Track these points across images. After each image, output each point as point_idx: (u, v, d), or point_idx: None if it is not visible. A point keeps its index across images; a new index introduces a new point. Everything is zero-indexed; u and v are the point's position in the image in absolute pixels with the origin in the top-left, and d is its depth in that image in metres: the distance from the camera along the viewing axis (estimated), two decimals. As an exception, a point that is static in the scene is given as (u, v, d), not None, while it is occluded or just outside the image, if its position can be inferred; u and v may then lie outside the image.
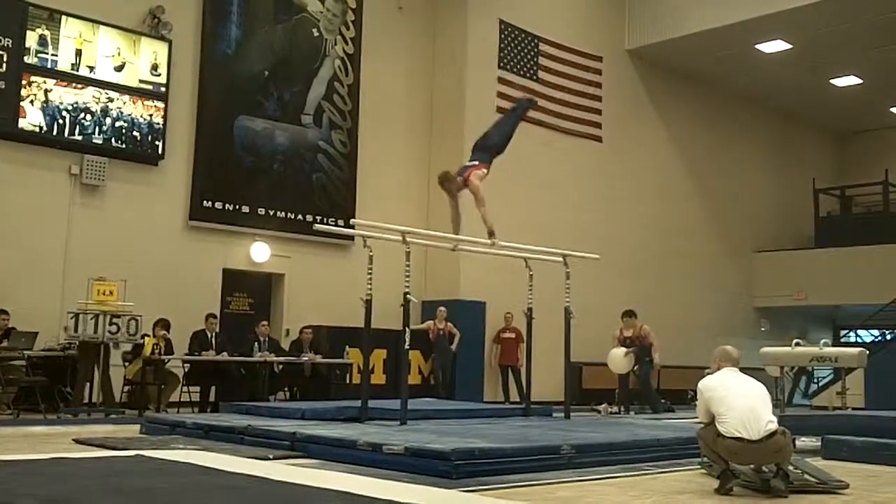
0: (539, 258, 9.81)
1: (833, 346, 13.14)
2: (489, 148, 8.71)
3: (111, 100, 11.83)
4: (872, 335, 20.28)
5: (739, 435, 5.15)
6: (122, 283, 10.80)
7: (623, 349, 12.41)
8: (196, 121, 12.73)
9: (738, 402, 5.26)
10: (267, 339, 11.93)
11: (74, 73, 11.59)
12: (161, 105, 12.26)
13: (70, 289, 11.13)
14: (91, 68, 11.73)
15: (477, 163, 8.52)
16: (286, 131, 13.59)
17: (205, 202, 12.66)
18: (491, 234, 8.48)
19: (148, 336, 10.92)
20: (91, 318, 10.26)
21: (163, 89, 12.30)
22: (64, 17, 11.53)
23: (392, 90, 14.99)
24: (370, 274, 7.99)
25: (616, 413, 12.66)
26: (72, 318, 10.20)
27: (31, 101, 11.22)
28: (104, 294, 10.42)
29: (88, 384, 10.85)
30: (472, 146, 8.81)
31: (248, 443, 7.08)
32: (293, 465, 5.96)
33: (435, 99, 15.46)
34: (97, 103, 11.73)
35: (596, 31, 17.20)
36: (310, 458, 6.41)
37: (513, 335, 14.26)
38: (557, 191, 16.10)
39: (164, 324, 11.15)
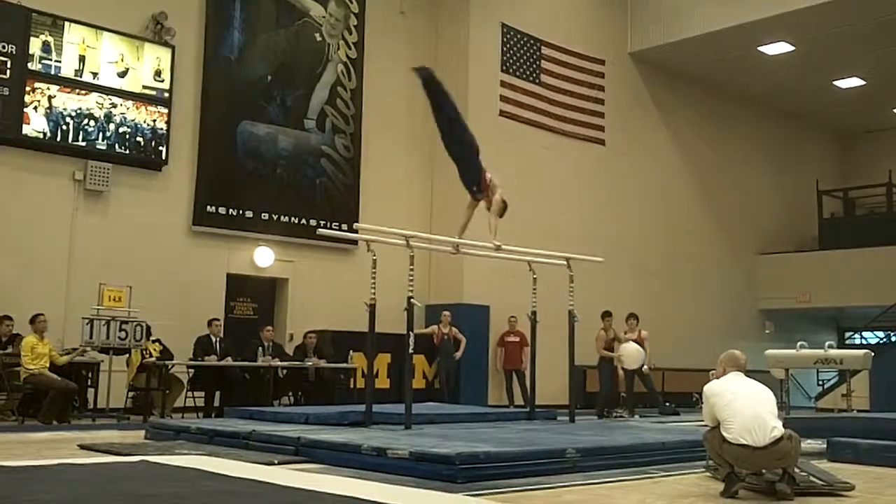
0: (543, 261, 9.81)
1: (838, 348, 13.12)
2: (472, 150, 8.52)
3: (114, 105, 11.85)
4: (877, 337, 20.25)
5: (745, 442, 5.15)
6: (128, 289, 10.84)
7: (635, 344, 12.42)
8: (199, 126, 12.75)
9: (744, 408, 5.24)
10: (271, 343, 11.94)
11: (78, 79, 11.61)
12: (164, 110, 12.27)
13: (74, 295, 11.16)
14: (94, 74, 11.75)
15: (482, 169, 8.48)
16: (289, 136, 13.60)
17: (208, 207, 12.67)
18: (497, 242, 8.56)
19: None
20: (103, 324, 10.30)
21: (166, 95, 12.32)
22: (67, 24, 11.55)
23: (395, 94, 14.97)
24: (374, 278, 7.99)
25: (621, 416, 12.66)
26: (87, 323, 10.21)
27: (35, 108, 11.24)
28: (114, 300, 10.45)
29: (93, 390, 10.90)
30: (452, 154, 8.63)
31: (252, 448, 7.08)
32: (298, 469, 5.95)
33: (438, 103, 15.42)
34: (101, 109, 11.75)
35: (598, 34, 17.19)
36: (314, 463, 6.41)
37: (517, 339, 14.24)
38: (560, 194, 16.09)
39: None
